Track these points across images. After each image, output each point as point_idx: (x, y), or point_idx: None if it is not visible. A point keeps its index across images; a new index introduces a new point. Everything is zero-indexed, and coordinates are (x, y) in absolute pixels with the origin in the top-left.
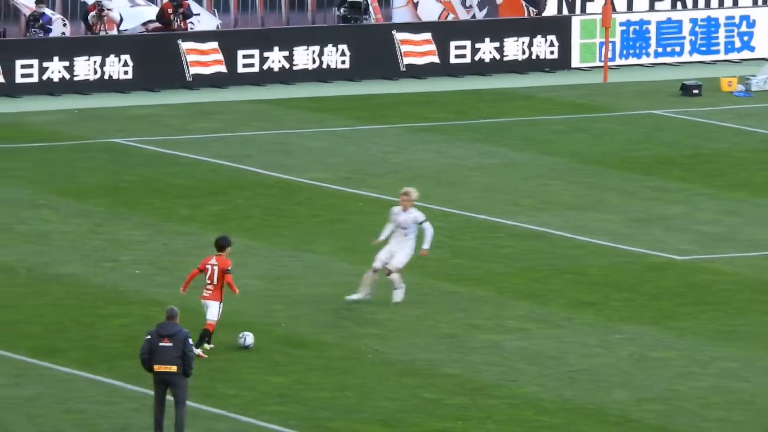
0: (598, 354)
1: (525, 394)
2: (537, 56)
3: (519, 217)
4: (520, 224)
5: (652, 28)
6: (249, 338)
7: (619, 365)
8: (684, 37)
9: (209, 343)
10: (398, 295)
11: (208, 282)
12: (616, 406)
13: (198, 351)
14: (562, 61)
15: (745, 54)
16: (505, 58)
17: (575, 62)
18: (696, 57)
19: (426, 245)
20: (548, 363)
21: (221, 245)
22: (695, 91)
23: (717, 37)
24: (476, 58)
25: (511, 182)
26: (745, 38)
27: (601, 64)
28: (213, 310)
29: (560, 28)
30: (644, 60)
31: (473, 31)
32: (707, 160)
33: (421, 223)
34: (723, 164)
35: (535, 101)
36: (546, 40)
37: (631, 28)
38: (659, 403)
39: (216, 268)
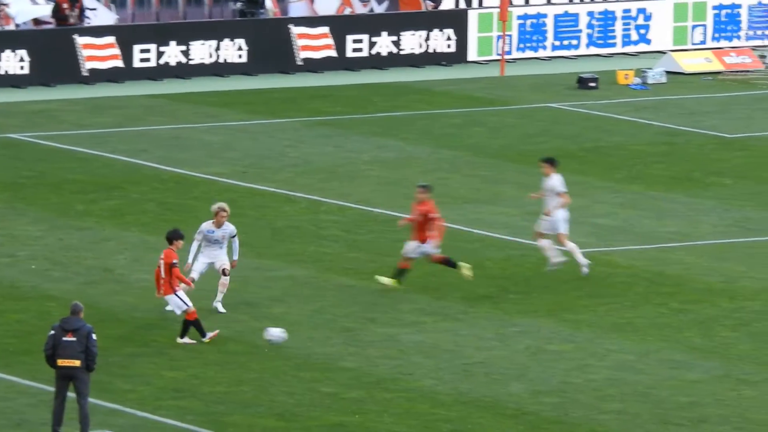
0: (495, 347)
1: (421, 388)
2: (434, 50)
3: None
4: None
5: (549, 21)
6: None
7: (516, 358)
8: (581, 31)
9: (203, 335)
10: (221, 305)
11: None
12: (512, 399)
13: (185, 340)
14: (460, 55)
15: (642, 47)
16: (402, 52)
17: (472, 56)
18: (593, 50)
19: (236, 256)
20: (444, 356)
21: (167, 238)
22: (592, 84)
23: (614, 30)
24: (373, 51)
25: (408, 176)
26: (642, 31)
27: (498, 57)
28: (173, 302)
29: (457, 21)
30: (541, 53)
31: (370, 25)
32: (604, 153)
33: (233, 237)
34: (620, 157)
35: (432, 95)
36: (443, 34)
37: (528, 22)
38: (555, 395)
39: (162, 262)
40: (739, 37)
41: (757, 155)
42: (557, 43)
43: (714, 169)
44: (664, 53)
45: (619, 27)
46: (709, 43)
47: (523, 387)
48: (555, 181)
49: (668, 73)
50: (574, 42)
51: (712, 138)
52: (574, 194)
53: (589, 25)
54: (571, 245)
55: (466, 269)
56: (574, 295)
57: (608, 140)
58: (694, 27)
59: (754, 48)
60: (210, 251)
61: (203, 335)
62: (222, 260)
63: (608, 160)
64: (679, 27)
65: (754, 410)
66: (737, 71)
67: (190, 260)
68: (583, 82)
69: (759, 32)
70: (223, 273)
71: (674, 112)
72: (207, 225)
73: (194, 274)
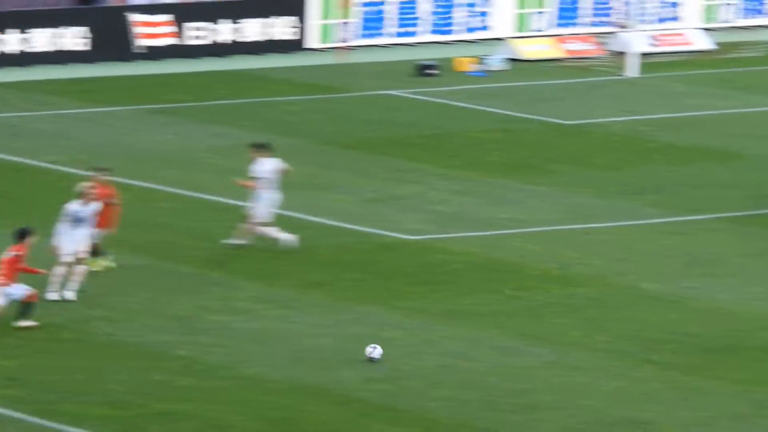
0: (327, 334)
1: (253, 375)
2: (275, 37)
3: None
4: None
5: (390, 8)
6: (377, 351)
7: (347, 345)
8: (421, 18)
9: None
10: (73, 294)
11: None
12: (342, 386)
13: (27, 322)
14: (300, 42)
15: (482, 34)
16: (243, 40)
17: (313, 43)
18: (433, 37)
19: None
20: (276, 344)
21: (19, 235)
22: (432, 71)
23: (454, 17)
24: (214, 39)
25: (245, 163)
26: (482, 18)
27: (339, 44)
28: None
29: (298, 8)
30: (382, 40)
31: (211, 12)
32: (442, 141)
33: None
34: (457, 144)
35: (272, 82)
36: (284, 21)
37: (369, 9)
38: (385, 382)
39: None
40: (580, 24)
41: (594, 142)
42: (398, 30)
43: (551, 155)
44: (505, 40)
45: (459, 14)
46: (551, 30)
47: (354, 374)
48: (260, 165)
49: (508, 60)
50: (415, 29)
51: (550, 125)
52: (410, 181)
53: (430, 12)
54: (263, 229)
55: (103, 263)
56: (408, 282)
57: (447, 127)
58: (535, 14)
59: (596, 35)
60: (74, 232)
61: (19, 320)
62: (82, 246)
63: (446, 147)
64: (520, 14)
65: (585, 396)
66: (578, 58)
67: (56, 243)
68: (423, 69)
69: (600, 19)
70: (80, 261)
71: (513, 99)
72: (74, 205)
73: (67, 258)
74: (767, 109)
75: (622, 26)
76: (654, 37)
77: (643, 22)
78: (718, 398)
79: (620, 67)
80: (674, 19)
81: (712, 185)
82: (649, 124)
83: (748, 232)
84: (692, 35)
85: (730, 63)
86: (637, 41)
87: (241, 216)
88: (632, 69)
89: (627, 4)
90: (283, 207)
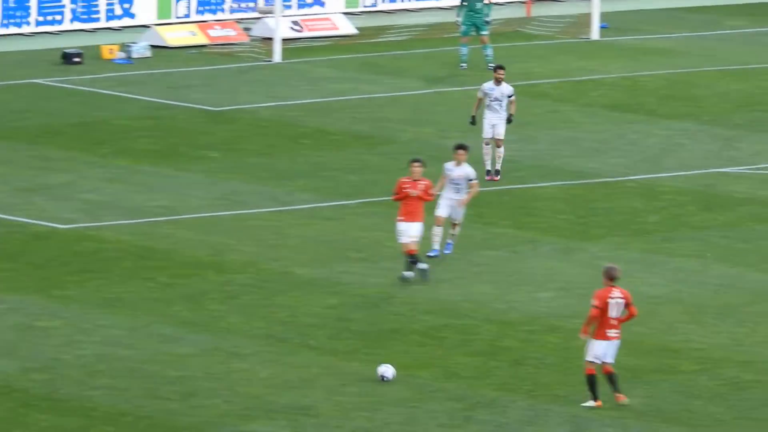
0: None
1: None
2: None
3: None
4: None
5: None
6: (389, 372)
7: (3, 335)
8: (65, 6)
9: None
10: None
11: None
12: (1, 377)
13: None
14: None
15: (126, 21)
16: None
17: None
18: (77, 25)
19: None
20: None
21: None
22: (77, 60)
23: (98, 5)
24: None
25: None
26: (126, 5)
27: None
28: None
29: None
30: (25, 29)
31: None
32: (90, 129)
33: None
34: (105, 132)
35: None
36: None
37: None
38: (44, 372)
39: None
40: (223, 10)
41: (243, 128)
42: (41, 18)
43: (201, 142)
44: (149, 27)
45: (103, 2)
46: (194, 17)
47: (12, 364)
48: None
49: (153, 47)
50: (59, 17)
51: (198, 111)
52: (59, 170)
53: (74, 0)
54: None
55: None
56: (63, 271)
57: (93, 115)
58: (178, 1)
59: (239, 21)
60: None
61: None
62: None
63: (94, 135)
64: (163, 1)
65: (243, 383)
66: (222, 44)
67: None
68: (67, 58)
69: (243, 5)
70: None
71: (160, 86)
72: None
73: None
74: (414, 93)
75: (266, 12)
76: (298, 23)
77: (286, 7)
78: (378, 383)
79: (265, 53)
80: (319, 4)
81: (363, 170)
82: (297, 109)
83: None
84: (336, 20)
85: (374, 47)
86: (280, 27)
87: None
88: (277, 54)
89: None
90: None
